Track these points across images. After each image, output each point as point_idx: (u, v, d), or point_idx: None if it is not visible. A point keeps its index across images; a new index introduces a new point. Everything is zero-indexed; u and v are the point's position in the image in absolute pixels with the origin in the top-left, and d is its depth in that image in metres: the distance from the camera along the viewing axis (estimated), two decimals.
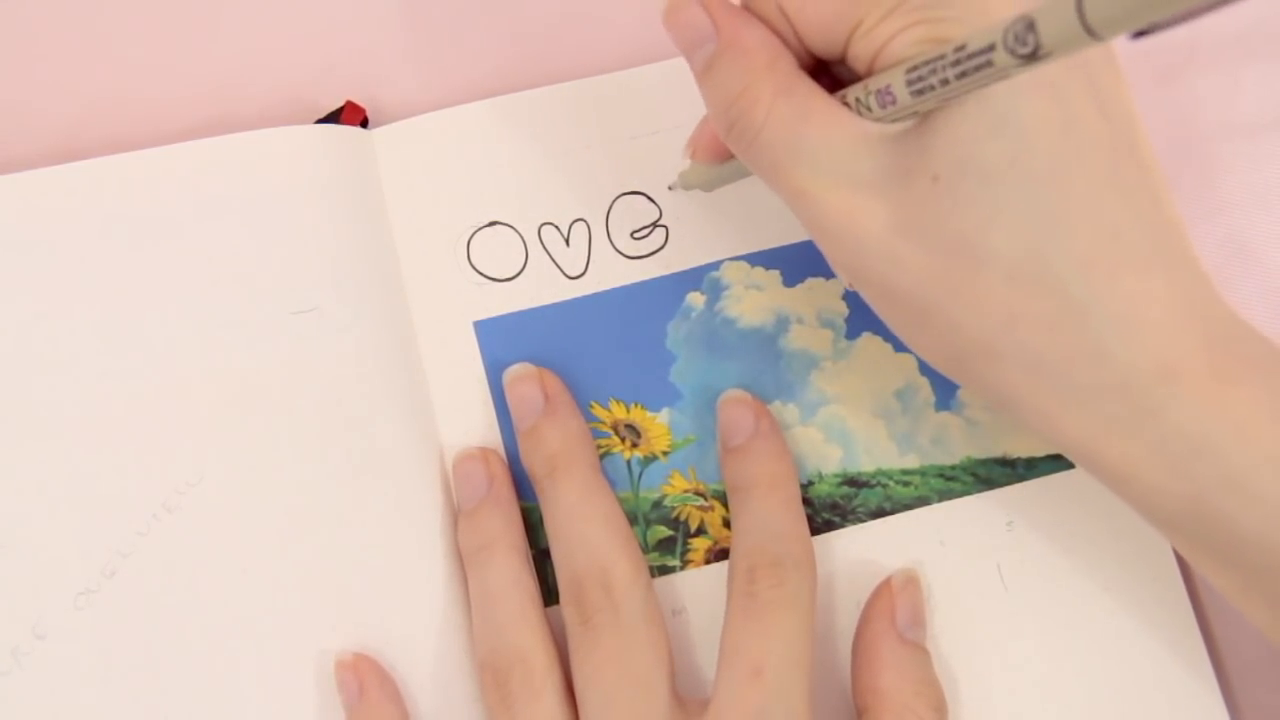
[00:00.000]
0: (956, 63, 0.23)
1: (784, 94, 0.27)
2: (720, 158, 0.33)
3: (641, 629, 0.32)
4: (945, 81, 0.24)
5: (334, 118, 0.37)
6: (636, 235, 0.37)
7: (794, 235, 0.37)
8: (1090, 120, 0.26)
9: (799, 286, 0.37)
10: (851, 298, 0.37)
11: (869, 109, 0.26)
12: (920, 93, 0.25)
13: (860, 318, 0.37)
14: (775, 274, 0.37)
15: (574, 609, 0.32)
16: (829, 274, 0.37)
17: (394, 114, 0.38)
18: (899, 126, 0.26)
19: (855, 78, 0.28)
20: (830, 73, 0.29)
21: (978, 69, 0.23)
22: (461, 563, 0.35)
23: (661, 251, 0.37)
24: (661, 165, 0.37)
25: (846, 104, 0.27)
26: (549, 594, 0.34)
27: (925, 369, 0.36)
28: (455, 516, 0.35)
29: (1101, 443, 0.27)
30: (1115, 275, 0.26)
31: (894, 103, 0.26)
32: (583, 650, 0.32)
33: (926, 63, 0.24)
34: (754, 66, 0.27)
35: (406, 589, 0.34)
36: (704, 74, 0.29)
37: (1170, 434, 0.26)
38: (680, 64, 0.37)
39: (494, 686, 0.32)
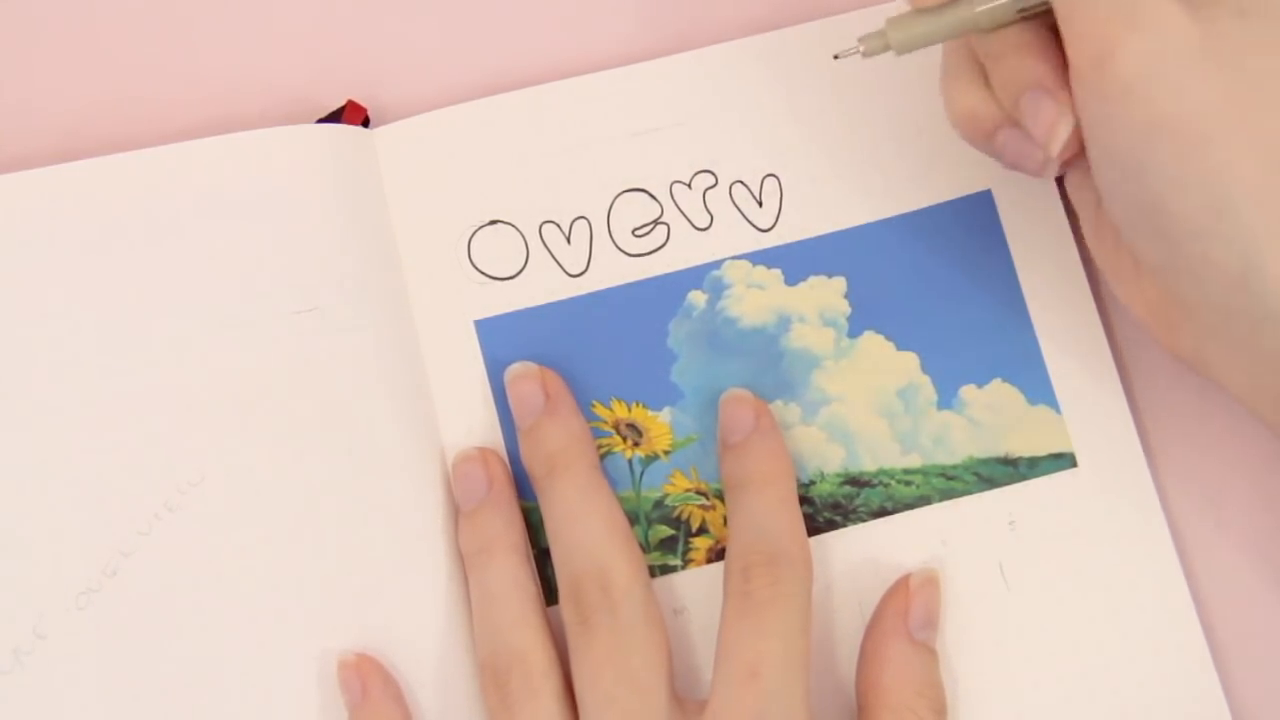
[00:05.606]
0: None
1: None
2: None
3: (640, 629, 0.32)
4: None
5: (335, 117, 0.37)
6: (638, 233, 0.37)
7: (799, 234, 0.37)
8: None
9: (800, 285, 0.37)
10: (854, 296, 0.37)
11: None
12: None
13: (862, 316, 0.36)
14: (777, 273, 0.37)
15: (572, 609, 0.32)
16: (831, 272, 0.37)
17: (395, 113, 0.38)
18: None
19: None
20: None
21: None
22: (462, 563, 0.35)
23: (663, 249, 0.37)
24: (663, 161, 0.37)
25: None
26: (551, 594, 0.34)
27: (927, 368, 0.36)
28: (456, 517, 0.35)
29: None
30: None
31: None
32: (581, 650, 0.32)
33: None
34: None
35: (408, 589, 0.34)
36: None
37: None
38: (680, 60, 0.37)
39: (494, 687, 0.32)
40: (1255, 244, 0.26)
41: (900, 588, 0.34)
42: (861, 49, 0.30)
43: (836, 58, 0.32)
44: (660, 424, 0.36)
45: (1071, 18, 0.27)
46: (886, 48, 0.30)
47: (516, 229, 0.37)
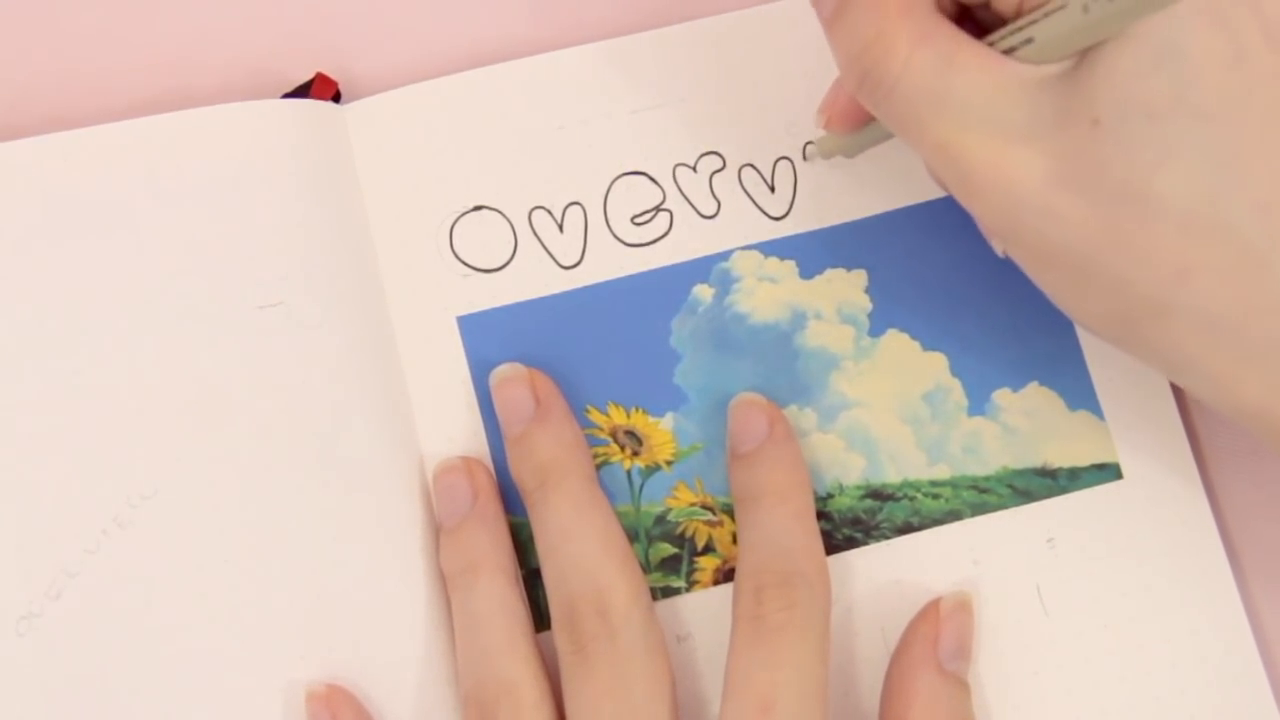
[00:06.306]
0: None
1: (923, 40, 0.27)
2: (857, 123, 0.33)
3: (640, 658, 0.31)
4: None
5: (303, 91, 0.36)
6: (638, 220, 0.36)
7: (815, 222, 0.36)
8: (1259, 52, 0.26)
9: (817, 278, 0.36)
10: (875, 290, 0.36)
11: (1029, 40, 0.26)
12: (1087, 9, 0.25)
13: (885, 312, 0.36)
14: (791, 264, 0.36)
15: (566, 635, 0.32)
16: (850, 265, 0.36)
17: (369, 87, 0.37)
18: (1054, 69, 0.26)
19: (1000, 24, 0.28)
20: (974, 19, 0.29)
21: None
22: (444, 585, 0.34)
23: (665, 239, 0.36)
24: (665, 141, 0.36)
25: (991, 46, 0.27)
26: (540, 618, 0.34)
27: (957, 369, 0.36)
28: (437, 534, 0.34)
29: None
30: None
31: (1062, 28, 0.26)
32: (576, 681, 0.31)
33: None
34: (887, 11, 0.28)
35: (384, 614, 0.34)
36: (833, 21, 0.29)
37: None
38: (684, 30, 0.37)
39: None
40: (1172, 354, 0.27)
41: (930, 613, 0.33)
42: (820, 152, 0.36)
43: (806, 158, 0.36)
44: (662, 431, 0.35)
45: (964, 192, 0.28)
46: (832, 153, 0.35)
47: (503, 216, 0.36)
